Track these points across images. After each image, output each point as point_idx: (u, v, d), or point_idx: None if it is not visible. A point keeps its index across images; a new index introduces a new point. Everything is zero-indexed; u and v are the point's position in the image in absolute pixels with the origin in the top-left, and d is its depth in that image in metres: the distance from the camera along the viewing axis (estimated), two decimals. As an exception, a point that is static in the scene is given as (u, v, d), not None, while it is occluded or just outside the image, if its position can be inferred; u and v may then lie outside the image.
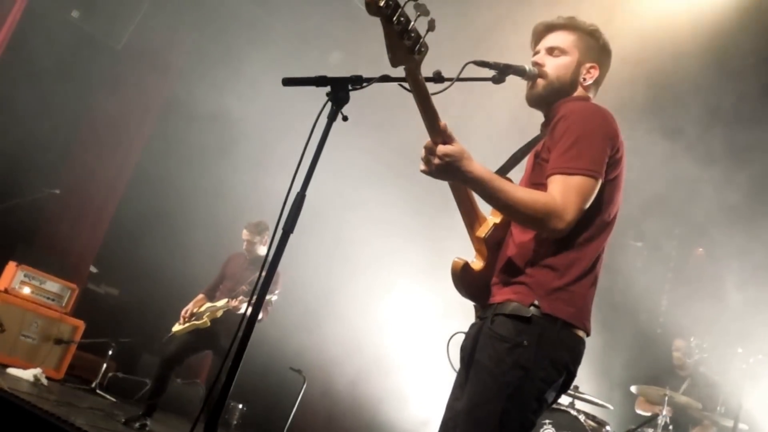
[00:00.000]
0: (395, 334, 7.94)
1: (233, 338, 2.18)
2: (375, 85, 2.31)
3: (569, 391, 6.11)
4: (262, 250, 6.38)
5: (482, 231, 2.50)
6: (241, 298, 6.08)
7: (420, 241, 7.27)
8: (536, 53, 2.60)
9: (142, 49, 8.00)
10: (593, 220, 2.37)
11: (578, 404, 6.08)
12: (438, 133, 2.19)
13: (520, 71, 2.49)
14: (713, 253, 7.83)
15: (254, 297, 2.19)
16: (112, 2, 7.66)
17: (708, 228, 7.41)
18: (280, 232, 2.25)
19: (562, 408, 5.98)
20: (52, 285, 6.80)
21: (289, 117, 6.22)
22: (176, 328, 6.26)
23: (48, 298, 6.75)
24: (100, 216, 8.11)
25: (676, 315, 7.44)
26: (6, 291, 6.49)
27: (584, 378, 6.75)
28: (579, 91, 2.55)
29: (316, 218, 7.63)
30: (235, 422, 7.89)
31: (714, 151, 6.42)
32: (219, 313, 6.10)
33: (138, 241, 7.74)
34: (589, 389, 6.57)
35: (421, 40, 1.94)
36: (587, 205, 2.28)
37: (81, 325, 6.86)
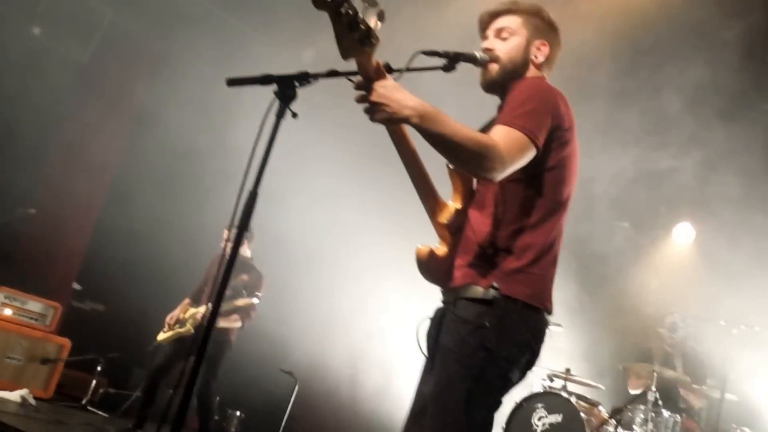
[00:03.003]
0: (388, 331, 7.92)
1: (202, 340, 2.19)
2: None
3: (561, 374, 6.15)
4: (244, 252, 6.33)
5: (444, 217, 2.53)
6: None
7: (407, 235, 7.21)
8: (485, 39, 2.60)
9: (110, 61, 7.92)
10: (546, 202, 2.39)
11: (570, 386, 6.09)
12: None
13: (471, 58, 2.47)
14: (699, 228, 7.86)
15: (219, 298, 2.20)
16: (74, 15, 7.54)
17: (692, 203, 7.42)
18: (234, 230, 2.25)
19: (554, 391, 5.99)
20: (35, 305, 6.72)
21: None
22: (161, 336, 6.21)
23: (31, 318, 6.67)
24: (80, 232, 8.03)
25: (665, 292, 7.44)
26: (-13, 314, 6.42)
27: (575, 360, 6.76)
28: (532, 71, 2.56)
29: (300, 221, 7.62)
30: (233, 430, 7.84)
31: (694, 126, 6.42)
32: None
33: (120, 254, 7.66)
34: (581, 371, 6.59)
35: (371, 32, 1.92)
36: (523, 163, 2.27)
37: (67, 343, 6.76)
